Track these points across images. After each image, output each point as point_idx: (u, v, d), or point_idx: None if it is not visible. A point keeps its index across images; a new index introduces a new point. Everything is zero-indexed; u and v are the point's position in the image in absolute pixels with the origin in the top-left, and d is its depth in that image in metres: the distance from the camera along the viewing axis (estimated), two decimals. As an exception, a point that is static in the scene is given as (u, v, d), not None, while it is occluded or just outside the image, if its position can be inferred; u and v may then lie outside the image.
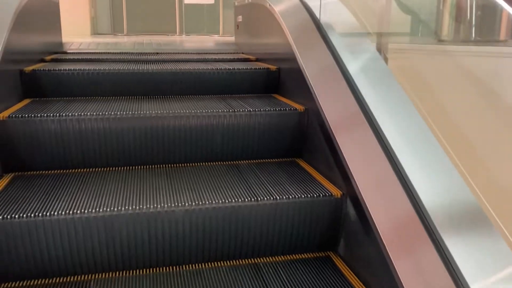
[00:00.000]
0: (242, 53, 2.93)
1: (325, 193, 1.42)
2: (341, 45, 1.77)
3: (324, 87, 1.67)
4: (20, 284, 1.27)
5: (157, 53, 2.89)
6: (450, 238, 1.02)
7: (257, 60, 2.64)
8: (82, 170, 1.66)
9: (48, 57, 2.50)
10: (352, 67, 1.65)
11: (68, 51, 2.84)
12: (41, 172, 1.63)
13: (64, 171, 1.65)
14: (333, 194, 1.42)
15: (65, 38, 3.30)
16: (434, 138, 1.32)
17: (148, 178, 1.57)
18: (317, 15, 1.96)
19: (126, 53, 2.86)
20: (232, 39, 4.60)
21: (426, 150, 1.29)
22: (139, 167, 1.71)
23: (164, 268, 1.36)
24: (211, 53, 2.91)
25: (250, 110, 1.76)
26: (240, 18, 3.26)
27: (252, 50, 2.73)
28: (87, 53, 2.83)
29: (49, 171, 1.64)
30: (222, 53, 2.93)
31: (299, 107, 1.80)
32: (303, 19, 2.01)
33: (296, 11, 2.10)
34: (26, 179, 1.55)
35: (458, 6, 2.56)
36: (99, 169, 1.68)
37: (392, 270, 1.07)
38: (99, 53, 2.84)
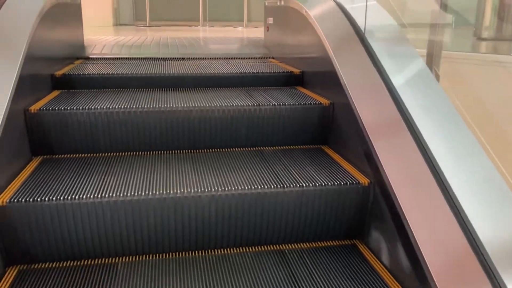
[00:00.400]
0: (273, 57, 2.94)
1: (352, 181, 1.41)
2: (381, 50, 1.70)
3: (357, 84, 1.64)
4: (49, 266, 1.28)
5: (183, 58, 2.92)
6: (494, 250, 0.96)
7: (286, 65, 2.63)
8: (109, 154, 1.70)
9: (76, 62, 2.56)
10: (390, 68, 1.59)
11: (91, 56, 2.86)
12: (69, 155, 1.67)
13: (92, 155, 1.68)
14: (361, 182, 1.41)
15: (87, 35, 3.27)
16: (479, 145, 1.22)
17: (174, 163, 1.59)
18: (358, 22, 1.88)
19: (150, 58, 2.88)
20: (258, 33, 4.59)
21: (466, 150, 1.23)
22: (165, 152, 1.73)
23: (190, 252, 1.36)
24: (238, 58, 2.92)
25: (274, 104, 1.77)
26: (270, 20, 3.16)
27: (284, 55, 2.71)
28: (110, 58, 2.85)
29: (77, 155, 1.68)
30: (250, 58, 2.93)
31: (324, 101, 1.80)
32: (342, 25, 1.96)
33: (334, 16, 2.04)
34: (54, 162, 1.58)
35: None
36: (126, 153, 1.71)
37: (426, 271, 1.03)
38: (123, 58, 2.86)
